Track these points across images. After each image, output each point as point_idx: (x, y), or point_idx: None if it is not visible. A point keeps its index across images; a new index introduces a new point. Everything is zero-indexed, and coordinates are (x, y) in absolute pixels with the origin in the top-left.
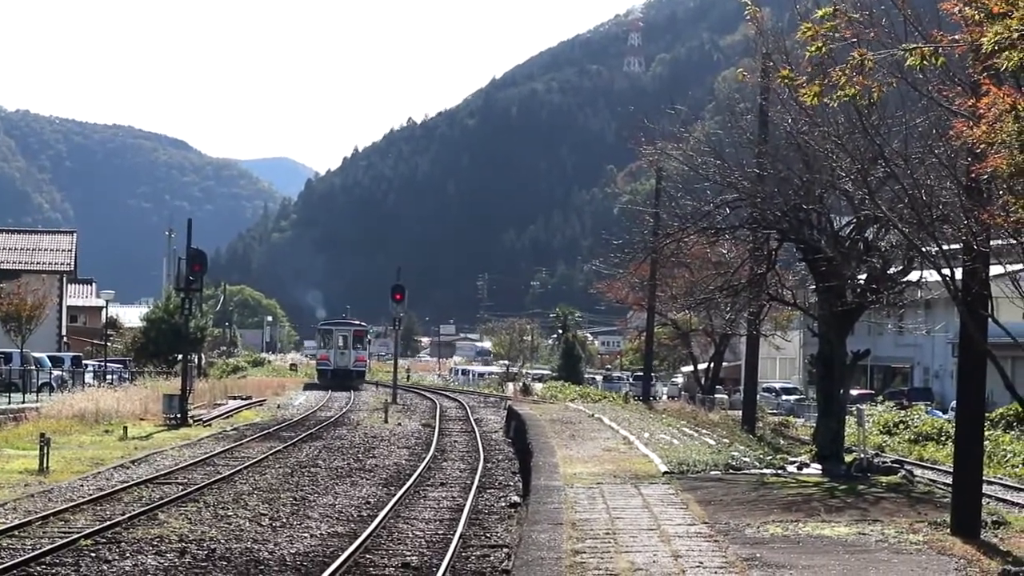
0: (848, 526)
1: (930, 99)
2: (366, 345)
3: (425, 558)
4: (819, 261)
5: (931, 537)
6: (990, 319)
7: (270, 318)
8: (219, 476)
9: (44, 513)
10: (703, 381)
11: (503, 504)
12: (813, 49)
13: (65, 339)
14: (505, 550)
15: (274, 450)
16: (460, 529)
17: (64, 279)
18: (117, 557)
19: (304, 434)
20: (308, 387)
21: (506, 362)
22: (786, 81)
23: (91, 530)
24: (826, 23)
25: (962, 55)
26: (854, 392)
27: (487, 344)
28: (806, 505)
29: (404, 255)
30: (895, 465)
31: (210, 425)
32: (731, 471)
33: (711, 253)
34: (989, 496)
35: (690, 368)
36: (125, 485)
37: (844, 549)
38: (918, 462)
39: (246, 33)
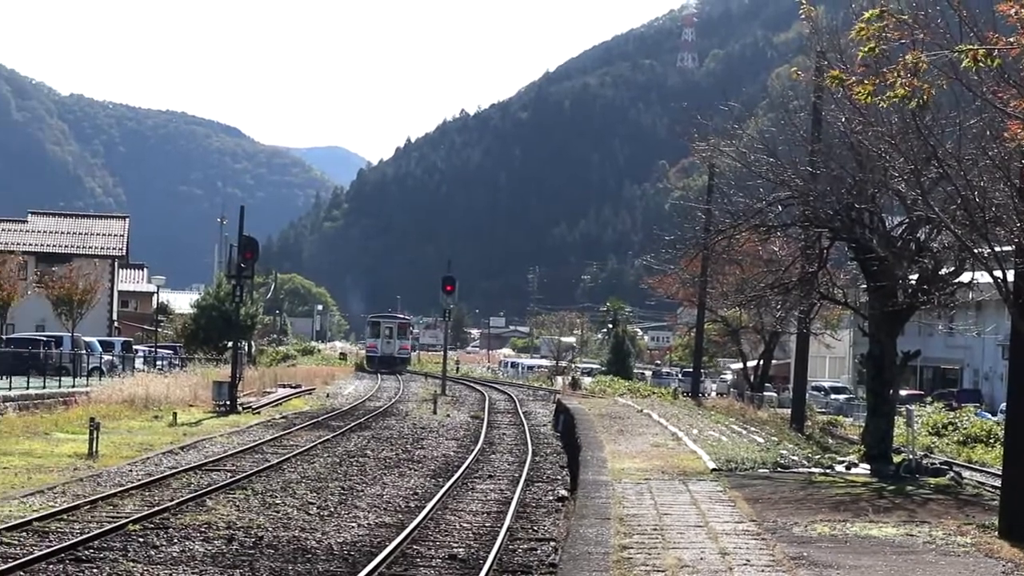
0: (896, 527)
1: (984, 100)
2: (409, 335)
3: (472, 550)
4: (871, 261)
5: (979, 540)
6: None
7: (320, 307)
8: (268, 464)
9: (93, 497)
10: (752, 378)
11: (551, 498)
12: (866, 50)
13: (116, 324)
14: (552, 544)
15: (323, 439)
16: (507, 522)
17: (116, 264)
18: (165, 542)
19: (353, 423)
20: (359, 370)
21: (555, 354)
22: (836, 82)
23: (139, 515)
24: (873, 24)
25: (1017, 57)
26: (903, 392)
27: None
28: (854, 505)
29: (455, 246)
30: (944, 467)
31: (259, 413)
32: (779, 469)
33: (762, 250)
34: None
35: (739, 365)
36: (174, 471)
37: (891, 550)
38: (967, 464)
39: (302, 21)
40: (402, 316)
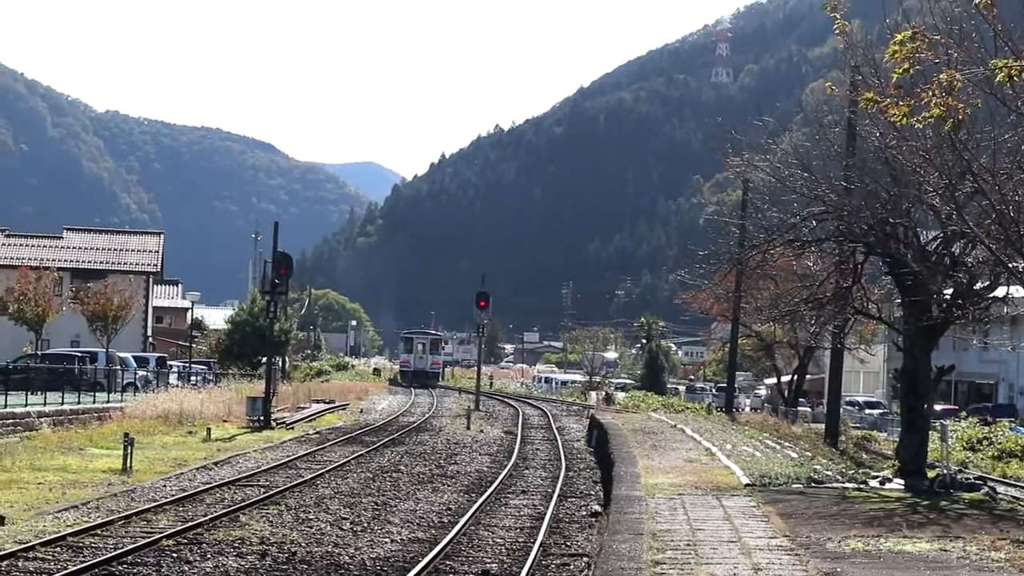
0: (930, 542)
1: (1019, 115)
2: (441, 351)
3: (505, 565)
4: (905, 275)
5: (1013, 555)
6: None
7: (354, 322)
8: (301, 479)
9: (127, 513)
10: (786, 393)
11: (584, 513)
12: (900, 71)
13: (150, 339)
14: (585, 559)
15: (356, 454)
16: (540, 537)
17: (150, 280)
18: (198, 558)
19: (386, 439)
20: (392, 383)
21: (589, 370)
22: (870, 102)
23: (173, 530)
24: (907, 46)
25: None
26: (938, 407)
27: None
28: (888, 520)
29: (489, 262)
30: (978, 482)
31: (293, 428)
32: (813, 484)
33: (797, 265)
34: None
35: (773, 380)
36: (207, 486)
37: (925, 565)
38: (1001, 479)
39: (336, 38)
40: (434, 332)
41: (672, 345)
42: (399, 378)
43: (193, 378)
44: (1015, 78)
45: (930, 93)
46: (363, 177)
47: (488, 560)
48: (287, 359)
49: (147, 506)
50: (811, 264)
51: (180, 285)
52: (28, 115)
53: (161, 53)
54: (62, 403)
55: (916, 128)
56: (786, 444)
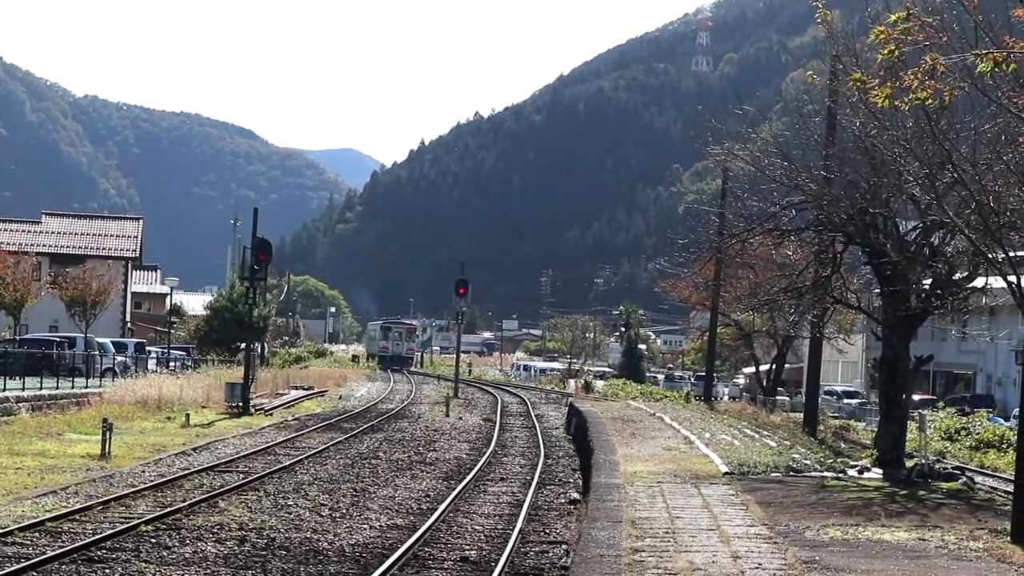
0: (908, 531)
1: (1000, 105)
2: (414, 338)
3: (484, 552)
4: (884, 265)
5: (991, 544)
6: None
7: (333, 309)
8: (280, 465)
9: (105, 498)
10: (765, 383)
11: (563, 500)
12: (886, 52)
13: (129, 325)
14: (564, 546)
15: (335, 441)
16: (519, 524)
17: (129, 265)
18: (177, 543)
19: (365, 425)
20: (371, 371)
21: (568, 358)
22: (858, 84)
23: (152, 516)
24: (899, 26)
25: None
26: (916, 397)
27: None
28: (866, 509)
29: (468, 249)
30: (956, 471)
31: (272, 414)
32: (791, 473)
33: (776, 254)
34: None
35: (752, 369)
36: (186, 472)
37: (903, 554)
38: (979, 469)
39: (315, 23)
40: (409, 322)
41: (651, 333)
42: (377, 362)
43: (172, 364)
44: (998, 67)
45: (912, 77)
46: (342, 163)
47: (467, 547)
48: (266, 345)
49: (126, 491)
50: (790, 253)
51: (159, 271)
52: (7, 99)
53: (140, 38)
54: (40, 388)
55: (896, 117)
56: (765, 433)
